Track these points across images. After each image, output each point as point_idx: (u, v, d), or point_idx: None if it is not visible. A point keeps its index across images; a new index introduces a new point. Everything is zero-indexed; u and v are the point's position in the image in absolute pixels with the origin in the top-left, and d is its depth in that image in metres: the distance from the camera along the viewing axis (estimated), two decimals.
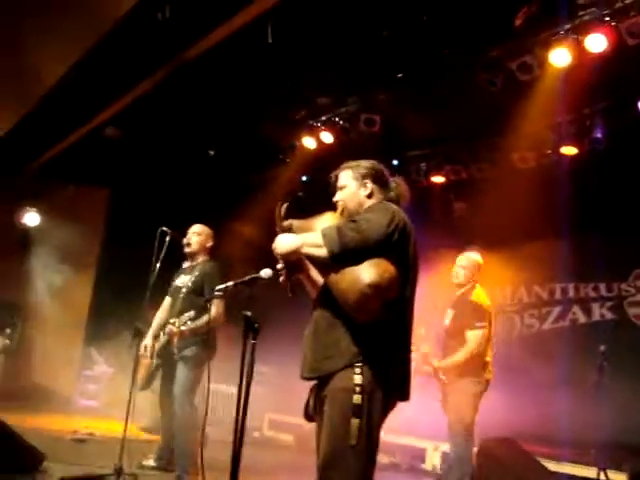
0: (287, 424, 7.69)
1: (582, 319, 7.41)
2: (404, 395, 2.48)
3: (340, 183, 2.69)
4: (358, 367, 2.32)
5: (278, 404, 7.98)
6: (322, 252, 2.36)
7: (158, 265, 4.65)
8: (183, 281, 4.77)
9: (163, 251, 4.51)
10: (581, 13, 5.12)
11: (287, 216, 2.62)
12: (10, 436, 4.18)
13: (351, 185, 2.66)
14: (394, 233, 2.39)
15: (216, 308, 4.48)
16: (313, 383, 2.52)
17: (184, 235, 4.81)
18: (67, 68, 6.22)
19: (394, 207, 2.52)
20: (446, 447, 5.25)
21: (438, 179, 7.76)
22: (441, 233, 7.53)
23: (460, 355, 4.66)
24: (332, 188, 2.73)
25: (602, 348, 4.93)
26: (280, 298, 2.87)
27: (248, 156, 8.49)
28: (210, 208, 7.75)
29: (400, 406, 2.49)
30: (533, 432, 6.06)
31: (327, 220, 2.55)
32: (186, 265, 5.23)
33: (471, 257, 4.98)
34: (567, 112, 6.29)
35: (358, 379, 2.30)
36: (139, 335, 4.50)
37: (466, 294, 4.90)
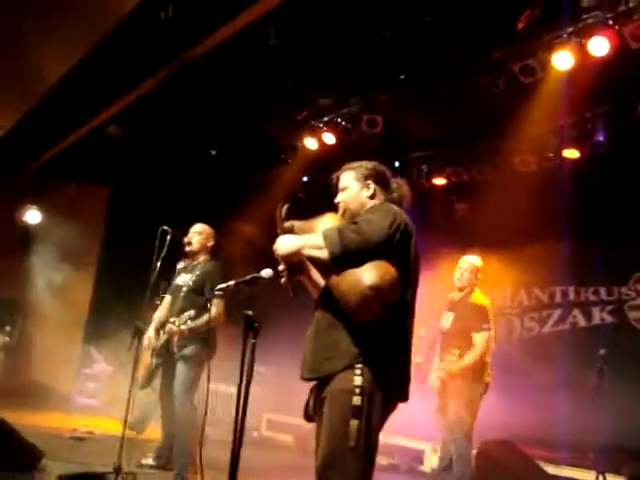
0: (285, 424, 7.69)
1: (582, 322, 7.40)
2: (403, 396, 2.48)
3: (342, 184, 2.68)
4: (358, 368, 2.31)
5: (276, 404, 7.98)
6: (323, 254, 2.35)
7: (159, 264, 4.66)
8: (184, 280, 4.77)
9: (164, 250, 4.51)
10: (584, 16, 5.11)
11: (288, 217, 2.62)
12: (9, 433, 4.18)
13: (353, 186, 2.65)
14: (395, 234, 2.39)
15: (216, 308, 4.48)
16: (313, 384, 2.52)
17: (185, 234, 4.81)
18: (69, 66, 6.23)
19: (395, 208, 2.52)
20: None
21: (439, 181, 7.76)
22: (442, 235, 7.54)
23: (470, 358, 4.70)
24: (333, 189, 2.73)
25: (602, 352, 4.92)
26: (280, 298, 2.88)
27: (250, 156, 8.50)
28: (211, 207, 7.75)
29: (399, 407, 2.50)
30: (532, 435, 6.05)
31: (328, 221, 2.54)
32: (181, 265, 5.24)
33: (473, 261, 5.02)
34: (569, 115, 6.29)
35: (358, 380, 2.30)
36: (139, 334, 4.50)
37: (466, 297, 4.93)
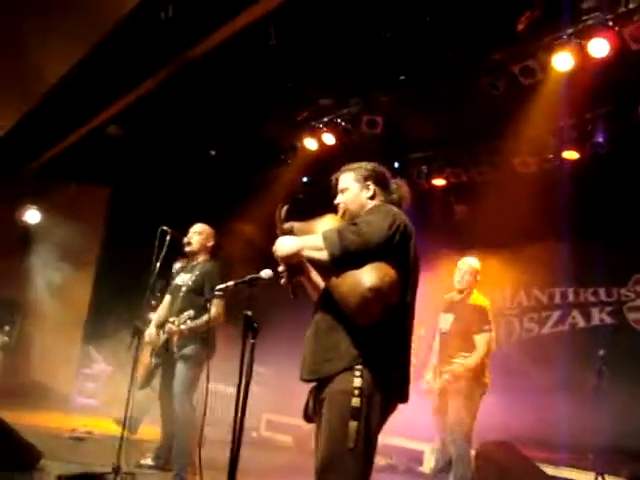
0: (284, 425, 7.69)
1: (581, 323, 7.41)
2: (403, 398, 2.48)
3: (341, 185, 2.68)
4: (358, 370, 2.31)
5: (276, 405, 7.99)
6: (323, 255, 2.35)
7: (158, 264, 4.66)
8: (183, 280, 4.77)
9: (163, 250, 4.51)
10: (584, 18, 5.11)
11: (287, 218, 2.62)
12: (8, 433, 4.18)
13: (353, 187, 2.65)
14: (395, 236, 2.39)
15: (216, 308, 4.48)
16: (312, 384, 2.51)
17: (185, 234, 4.81)
18: (69, 66, 6.23)
19: (395, 209, 2.51)
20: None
21: (439, 182, 7.76)
22: (442, 236, 7.55)
23: (472, 360, 4.71)
24: (333, 191, 2.73)
25: (601, 353, 4.93)
26: (280, 298, 2.88)
27: (249, 156, 8.50)
28: (211, 208, 7.75)
29: (398, 408, 2.50)
30: (532, 436, 6.05)
31: (328, 222, 2.54)
32: (177, 265, 5.23)
33: (472, 263, 5.03)
34: (569, 116, 6.29)
35: (357, 382, 2.29)
36: (138, 334, 4.50)
37: (465, 298, 4.95)
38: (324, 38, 5.61)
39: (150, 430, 5.74)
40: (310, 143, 7.62)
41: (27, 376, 9.15)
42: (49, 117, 7.49)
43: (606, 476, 4.74)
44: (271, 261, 2.55)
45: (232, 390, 4.06)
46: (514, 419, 6.08)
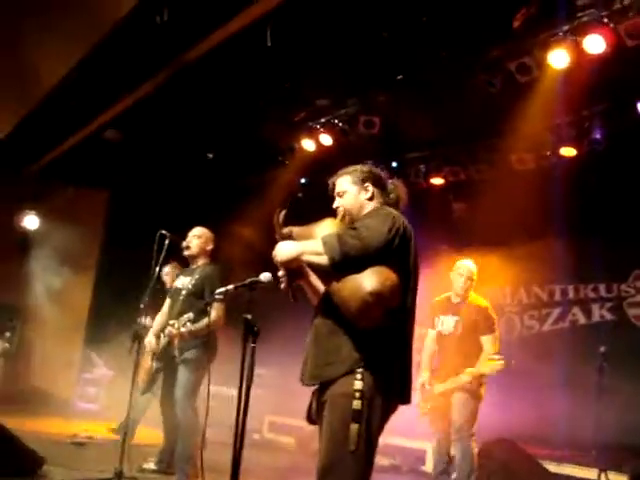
0: (287, 426, 7.69)
1: (582, 320, 7.41)
2: (405, 399, 2.48)
3: (339, 189, 2.67)
4: (359, 373, 2.31)
5: (278, 406, 7.98)
6: (323, 260, 2.35)
7: (157, 268, 4.67)
8: (183, 283, 4.76)
9: (162, 254, 4.51)
10: (580, 14, 5.12)
11: (286, 222, 2.61)
12: (10, 440, 4.17)
13: (351, 190, 2.65)
14: (394, 239, 2.38)
15: (216, 311, 4.47)
16: (315, 387, 2.51)
17: (184, 238, 4.80)
18: (67, 70, 6.22)
19: (394, 212, 2.51)
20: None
21: (437, 181, 7.76)
22: (441, 234, 7.55)
23: (485, 361, 4.70)
24: (330, 195, 2.72)
25: (602, 349, 4.94)
26: (280, 300, 2.87)
27: (247, 158, 8.49)
28: (209, 210, 7.77)
29: (400, 408, 2.50)
30: (533, 433, 6.06)
31: (327, 227, 2.53)
32: (166, 269, 5.24)
33: (470, 266, 5.03)
34: (566, 113, 6.29)
35: (358, 385, 2.29)
36: (138, 338, 4.49)
37: (465, 300, 4.96)
38: (321, 39, 5.61)
39: (152, 434, 5.74)
40: (308, 144, 7.62)
41: (28, 382, 9.15)
42: (47, 121, 7.49)
43: (608, 472, 4.74)
44: (271, 264, 2.55)
45: (233, 392, 4.06)
46: (516, 417, 6.07)
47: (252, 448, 5.82)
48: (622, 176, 6.49)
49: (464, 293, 4.97)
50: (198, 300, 4.55)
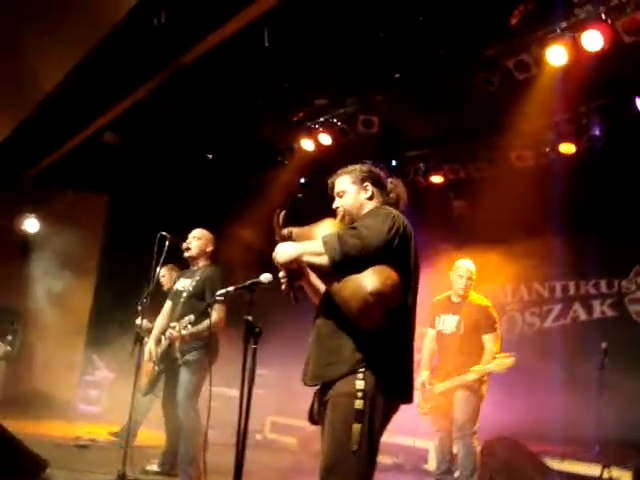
0: (289, 426, 7.69)
1: (583, 316, 7.41)
2: (407, 398, 2.48)
3: (338, 189, 2.68)
4: (361, 373, 2.31)
5: (280, 407, 7.98)
6: (323, 260, 2.34)
7: (158, 270, 4.67)
8: (184, 285, 4.76)
9: (162, 256, 4.51)
10: (577, 11, 5.11)
11: (286, 222, 2.61)
12: (12, 443, 4.17)
13: (351, 190, 2.65)
14: (394, 239, 2.38)
15: (217, 313, 4.47)
16: (317, 387, 2.52)
17: (184, 240, 4.80)
18: (65, 74, 6.22)
19: (394, 212, 2.51)
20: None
21: (437, 179, 7.76)
22: (441, 232, 7.54)
23: (489, 361, 4.72)
24: (330, 195, 2.72)
25: (603, 345, 4.94)
26: (281, 300, 2.87)
27: (246, 159, 8.49)
28: (209, 212, 7.77)
29: (403, 407, 2.50)
30: (535, 430, 6.05)
31: (327, 227, 2.53)
32: (162, 271, 5.26)
33: (469, 266, 5.04)
34: (564, 110, 6.29)
35: (360, 384, 2.30)
36: (140, 341, 4.50)
37: (465, 299, 4.96)
38: (319, 39, 5.61)
39: (155, 436, 5.75)
40: (307, 144, 7.62)
41: (29, 385, 9.16)
42: (45, 125, 7.49)
43: (612, 468, 4.74)
44: (271, 265, 2.55)
45: (235, 392, 4.07)
46: (517, 414, 6.07)
47: (254, 449, 5.81)
48: (622, 172, 6.48)
49: (464, 293, 4.98)
50: (199, 302, 4.56)
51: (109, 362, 8.88)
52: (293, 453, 7.13)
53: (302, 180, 8.85)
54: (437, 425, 4.95)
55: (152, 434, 6.02)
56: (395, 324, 2.38)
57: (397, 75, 6.24)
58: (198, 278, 4.68)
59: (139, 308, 6.04)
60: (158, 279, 5.22)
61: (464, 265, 5.03)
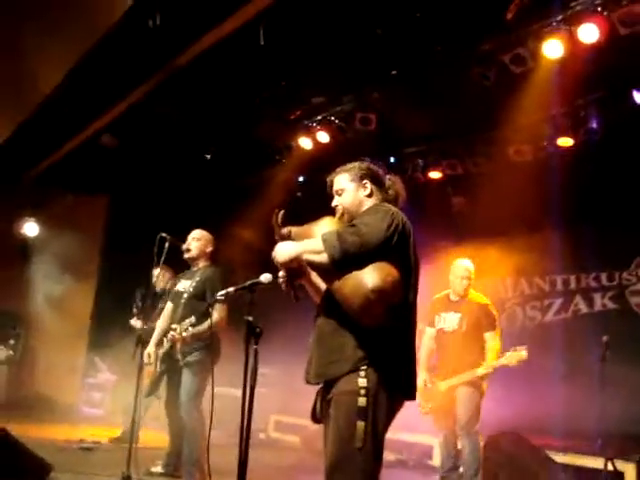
0: (293, 425, 7.69)
1: (584, 310, 7.41)
2: (410, 395, 2.49)
3: (337, 187, 2.67)
4: (363, 370, 2.32)
5: (283, 405, 7.99)
6: (323, 258, 2.34)
7: (158, 270, 4.67)
8: (184, 286, 4.77)
9: (162, 257, 4.51)
10: (573, 4, 5.11)
11: (285, 222, 2.61)
12: (17, 447, 4.18)
13: (349, 187, 2.65)
14: (393, 236, 2.38)
15: (218, 313, 4.48)
16: (320, 386, 2.52)
17: (184, 241, 4.80)
18: (62, 76, 6.22)
19: (393, 209, 2.51)
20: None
21: (435, 175, 7.75)
22: (440, 228, 7.54)
23: (493, 357, 4.73)
24: (328, 193, 2.72)
25: (605, 338, 4.94)
26: (282, 300, 2.87)
27: (245, 158, 8.49)
28: (209, 212, 7.77)
29: (406, 403, 2.50)
30: (537, 424, 6.06)
31: (326, 225, 2.52)
32: (156, 272, 5.26)
33: (468, 266, 5.04)
34: (562, 103, 6.28)
35: (363, 382, 2.30)
36: (141, 343, 4.50)
37: (465, 297, 4.96)
38: (315, 36, 5.60)
39: (159, 437, 5.75)
40: (305, 142, 7.61)
41: (32, 388, 9.16)
42: (43, 128, 7.48)
43: (615, 461, 4.75)
44: (271, 264, 2.55)
45: (238, 392, 4.08)
46: (519, 408, 6.08)
47: (258, 448, 5.81)
48: (620, 164, 6.48)
49: (464, 292, 4.99)
50: (200, 302, 4.56)
51: (111, 364, 8.88)
52: (296, 452, 7.14)
53: (300, 178, 8.85)
54: (439, 424, 4.95)
55: (156, 435, 6.03)
56: (396, 321, 2.38)
57: (394, 72, 6.23)
58: (198, 279, 4.68)
59: (134, 310, 6.11)
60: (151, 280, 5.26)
61: (462, 265, 5.04)
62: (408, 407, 2.55)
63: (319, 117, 7.27)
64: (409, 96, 6.44)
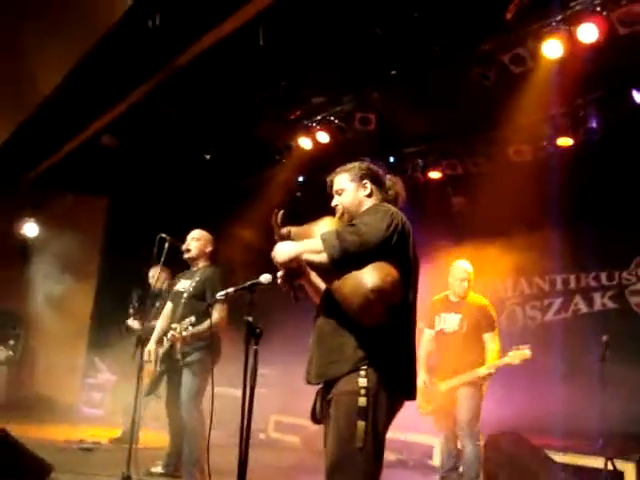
0: (293, 425, 7.69)
1: (584, 309, 7.41)
2: (410, 395, 2.49)
3: (337, 187, 2.68)
4: (363, 370, 2.32)
5: (283, 406, 7.98)
6: (322, 257, 2.34)
7: (158, 271, 4.67)
8: (184, 286, 4.77)
9: (162, 257, 4.52)
10: (572, 4, 5.11)
11: (285, 222, 2.61)
12: (17, 447, 4.18)
13: (349, 187, 2.65)
14: (393, 236, 2.38)
15: (219, 313, 4.48)
16: (319, 386, 2.52)
17: (183, 241, 4.80)
18: (62, 77, 6.22)
19: (392, 209, 2.51)
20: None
21: (435, 175, 7.76)
22: (440, 228, 7.54)
23: (495, 357, 4.74)
24: (328, 193, 2.72)
25: (604, 338, 4.94)
26: (282, 300, 2.88)
27: (244, 158, 8.49)
28: (209, 212, 7.77)
29: (406, 403, 2.50)
30: (537, 424, 6.06)
31: (326, 225, 2.52)
32: (151, 273, 5.26)
33: (467, 268, 5.04)
34: (561, 103, 6.29)
35: (363, 382, 2.30)
36: (141, 343, 4.51)
37: (465, 298, 4.97)
38: (314, 36, 5.61)
39: (159, 437, 5.75)
40: (304, 142, 7.61)
41: (32, 389, 9.16)
42: (42, 128, 7.48)
43: (615, 461, 4.75)
44: (271, 264, 2.55)
45: (237, 392, 4.05)
46: (519, 407, 6.08)
47: (258, 448, 5.82)
48: (620, 164, 6.48)
49: (463, 294, 4.99)
50: (199, 302, 4.56)
51: (111, 365, 8.88)
52: (296, 452, 7.14)
53: (300, 179, 8.85)
54: (440, 425, 4.95)
55: (156, 436, 6.03)
56: (396, 321, 2.38)
57: (393, 72, 6.23)
58: (198, 279, 4.69)
59: (130, 311, 6.14)
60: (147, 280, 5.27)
61: (461, 267, 5.03)
62: (408, 407, 2.55)
63: (319, 117, 7.27)
64: (409, 96, 6.44)
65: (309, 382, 2.51)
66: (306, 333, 2.60)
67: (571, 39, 5.19)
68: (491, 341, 4.82)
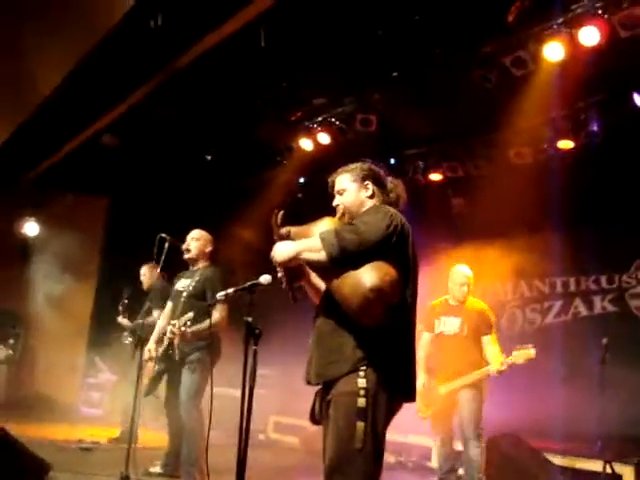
0: (292, 426, 7.69)
1: (584, 312, 7.41)
2: (409, 396, 2.48)
3: (338, 187, 2.68)
4: (362, 371, 2.32)
5: (282, 406, 7.98)
6: (321, 256, 2.34)
7: (158, 271, 4.67)
8: (184, 285, 4.77)
9: (162, 257, 4.52)
10: (573, 6, 5.11)
11: (285, 222, 2.61)
12: (16, 446, 4.18)
13: (351, 188, 2.65)
14: (392, 236, 2.39)
15: (219, 312, 4.48)
16: (319, 387, 2.52)
17: (183, 241, 4.81)
18: (62, 76, 6.22)
19: (392, 210, 2.51)
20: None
21: (436, 177, 7.76)
22: (440, 230, 7.55)
23: (499, 358, 4.72)
24: (330, 193, 2.72)
25: (604, 341, 4.94)
26: (282, 300, 2.87)
27: (245, 159, 8.49)
28: (209, 212, 7.77)
29: (405, 404, 2.50)
30: (537, 426, 6.06)
31: (325, 225, 2.52)
32: (142, 271, 5.21)
33: (467, 273, 5.04)
34: (562, 106, 6.29)
35: (362, 382, 2.30)
36: (141, 343, 4.50)
37: (464, 302, 4.97)
38: (316, 38, 5.61)
39: (158, 437, 5.75)
40: (305, 143, 7.61)
41: (31, 388, 9.16)
42: (44, 128, 7.49)
43: (613, 464, 4.75)
44: (271, 264, 2.55)
45: (236, 392, 4.08)
46: (519, 410, 6.08)
47: (257, 448, 5.82)
48: (620, 167, 6.48)
49: (463, 299, 5.00)
50: (199, 301, 4.56)
51: (111, 364, 8.88)
52: (296, 452, 7.13)
53: (301, 180, 8.86)
54: (437, 429, 4.95)
55: (155, 435, 6.03)
56: (395, 321, 2.38)
57: (395, 74, 6.24)
58: (198, 279, 4.69)
59: (120, 308, 6.17)
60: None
61: (461, 272, 5.03)
62: (407, 408, 2.55)
63: (320, 118, 7.28)
64: (410, 98, 6.45)
65: (308, 382, 2.51)
66: (305, 334, 2.61)
67: (572, 42, 5.19)
68: (491, 343, 4.82)
